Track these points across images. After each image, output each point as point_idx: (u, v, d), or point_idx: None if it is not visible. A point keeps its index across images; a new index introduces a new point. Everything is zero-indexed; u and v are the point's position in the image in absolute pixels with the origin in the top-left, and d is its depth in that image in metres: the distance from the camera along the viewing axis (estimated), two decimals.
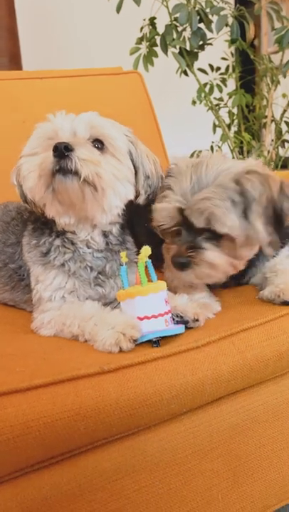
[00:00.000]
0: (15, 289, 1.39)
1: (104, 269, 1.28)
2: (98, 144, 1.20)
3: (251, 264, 1.35)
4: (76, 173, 1.13)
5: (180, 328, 1.12)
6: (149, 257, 1.14)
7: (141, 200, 1.29)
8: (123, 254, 1.17)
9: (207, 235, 1.19)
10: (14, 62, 3.92)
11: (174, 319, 1.15)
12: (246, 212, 1.18)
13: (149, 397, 1.00)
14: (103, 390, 0.97)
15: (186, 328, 1.15)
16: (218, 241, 1.19)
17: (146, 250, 1.14)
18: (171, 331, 1.11)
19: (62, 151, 1.12)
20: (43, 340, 1.19)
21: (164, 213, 1.24)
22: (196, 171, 1.21)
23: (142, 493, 1.05)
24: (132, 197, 1.27)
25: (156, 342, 1.09)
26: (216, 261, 1.20)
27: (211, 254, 1.19)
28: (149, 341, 1.08)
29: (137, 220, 1.75)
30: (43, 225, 1.28)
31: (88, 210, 1.20)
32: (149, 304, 1.10)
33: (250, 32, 2.64)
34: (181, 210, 1.20)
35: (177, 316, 1.15)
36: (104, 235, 1.28)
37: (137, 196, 1.28)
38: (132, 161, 1.26)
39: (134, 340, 1.06)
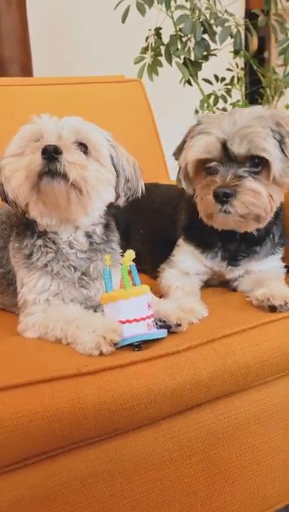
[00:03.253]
0: (4, 293, 1.40)
1: (88, 269, 1.28)
2: (82, 147, 1.21)
3: (266, 234, 1.42)
4: (64, 176, 1.14)
5: (162, 333, 1.12)
6: (134, 260, 1.15)
7: (120, 202, 1.30)
8: (107, 257, 1.17)
9: (247, 167, 1.27)
10: (25, 70, 3.97)
11: (156, 323, 1.15)
12: (281, 145, 1.28)
13: (127, 401, 1.00)
14: (80, 392, 0.97)
15: (169, 332, 1.14)
16: (256, 174, 1.27)
17: (130, 254, 1.14)
18: (152, 335, 1.11)
19: (51, 154, 1.13)
20: (27, 342, 1.19)
21: (205, 146, 1.30)
22: (231, 114, 1.30)
23: (118, 497, 1.04)
24: (112, 199, 1.28)
25: (137, 346, 1.09)
26: (259, 189, 1.26)
27: (254, 182, 1.26)
28: (131, 345, 1.09)
29: (132, 227, 1.77)
30: (25, 227, 1.29)
31: (72, 212, 1.20)
32: (131, 308, 1.10)
33: (254, 43, 2.65)
34: (222, 142, 1.26)
35: (160, 321, 1.15)
36: (88, 235, 1.29)
37: (116, 198, 1.30)
38: (113, 164, 1.27)
39: (115, 344, 1.06)
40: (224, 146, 1.27)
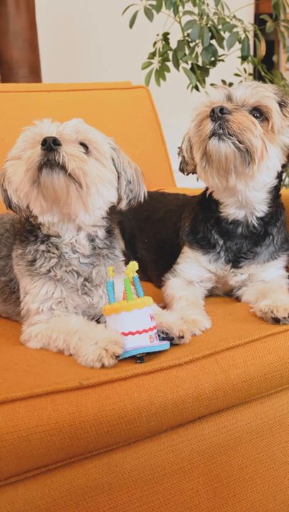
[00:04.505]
0: (7, 301, 1.40)
1: (90, 275, 1.28)
2: (83, 147, 1.22)
3: (265, 233, 1.42)
4: (63, 168, 1.16)
5: (165, 345, 1.12)
6: (138, 269, 1.15)
7: (123, 205, 1.32)
8: (110, 268, 1.17)
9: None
10: (34, 72, 3.98)
11: (159, 335, 1.14)
12: (281, 107, 1.33)
13: (128, 414, 1.00)
14: (81, 405, 0.97)
15: (172, 344, 1.14)
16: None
17: (134, 265, 1.14)
18: (155, 348, 1.10)
19: (50, 144, 1.14)
20: (29, 352, 1.19)
21: (211, 99, 1.35)
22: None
23: (118, 511, 1.04)
24: (114, 200, 1.30)
25: (140, 358, 1.09)
26: (255, 122, 1.27)
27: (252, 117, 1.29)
28: (134, 357, 1.08)
29: (137, 235, 1.77)
30: (28, 233, 1.30)
31: (72, 206, 1.21)
32: (133, 320, 1.10)
33: (262, 49, 2.64)
34: (228, 95, 1.33)
35: (163, 333, 1.15)
36: (91, 239, 1.29)
37: (119, 201, 1.31)
38: (115, 166, 1.29)
39: (117, 357, 1.06)
40: (229, 97, 1.32)
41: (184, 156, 1.45)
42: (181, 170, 1.49)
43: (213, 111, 1.26)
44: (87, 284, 1.29)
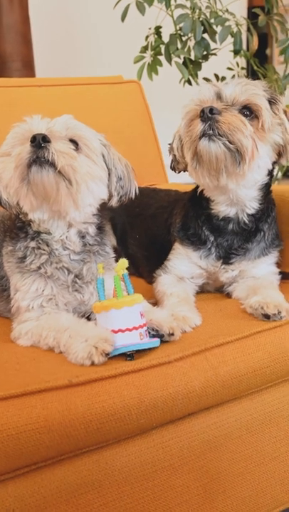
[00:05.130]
0: None
1: (81, 271, 1.28)
2: (73, 144, 1.22)
3: (256, 230, 1.42)
4: (52, 165, 1.16)
5: (155, 342, 1.12)
6: (129, 265, 1.15)
7: (114, 201, 1.32)
8: (100, 265, 1.17)
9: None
10: (27, 66, 3.96)
11: (149, 333, 1.15)
12: (271, 104, 1.34)
13: (118, 412, 1.00)
14: (70, 403, 0.97)
15: (162, 341, 1.15)
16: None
17: (123, 263, 1.14)
18: (145, 345, 1.11)
19: (39, 142, 1.14)
20: (19, 350, 1.19)
21: (199, 96, 1.33)
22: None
23: (109, 507, 1.04)
24: (104, 197, 1.29)
25: (130, 355, 1.09)
26: (245, 121, 1.27)
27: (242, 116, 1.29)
28: (124, 354, 1.09)
29: (129, 231, 1.77)
30: (18, 230, 1.29)
31: (62, 203, 1.20)
32: (123, 317, 1.10)
33: (254, 44, 2.63)
34: (217, 92, 1.32)
35: (153, 330, 1.15)
36: (81, 235, 1.29)
37: (109, 198, 1.31)
38: (105, 163, 1.29)
39: (107, 354, 1.06)
40: (218, 95, 1.31)
41: (174, 155, 1.45)
42: (172, 168, 1.49)
43: (203, 111, 1.25)
44: (78, 281, 1.29)
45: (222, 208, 1.40)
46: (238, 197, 1.37)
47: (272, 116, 1.32)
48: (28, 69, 3.89)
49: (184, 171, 1.45)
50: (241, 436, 1.19)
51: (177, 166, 1.46)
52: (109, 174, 1.29)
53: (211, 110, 1.25)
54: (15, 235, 1.30)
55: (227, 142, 1.26)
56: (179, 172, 1.48)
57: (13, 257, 1.28)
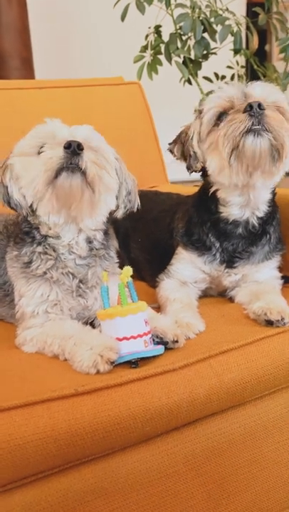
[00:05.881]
0: (0, 303, 1.40)
1: (86, 276, 1.29)
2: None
3: (263, 232, 1.43)
4: (83, 173, 1.18)
5: (159, 349, 1.13)
6: (132, 276, 1.16)
7: (119, 213, 1.33)
8: (105, 274, 1.17)
9: None
10: (26, 64, 3.95)
11: (154, 340, 1.15)
12: None
13: (123, 420, 1.01)
14: (77, 412, 0.98)
15: (166, 348, 1.15)
16: None
17: (128, 271, 1.15)
18: (149, 353, 1.11)
19: (75, 149, 1.16)
20: (24, 357, 1.20)
21: (227, 95, 1.33)
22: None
23: None
24: (114, 208, 1.31)
25: (134, 363, 1.10)
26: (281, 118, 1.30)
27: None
28: (129, 362, 1.09)
29: (131, 235, 1.78)
30: (24, 234, 1.30)
31: (82, 210, 1.23)
32: (128, 325, 1.11)
33: (254, 43, 2.63)
34: (243, 91, 1.32)
35: (157, 337, 1.16)
36: (89, 241, 1.30)
37: (115, 210, 1.32)
38: (117, 175, 1.30)
39: (112, 363, 1.07)
40: (245, 95, 1.32)
41: (195, 152, 1.41)
42: (189, 167, 1.44)
43: (251, 106, 1.25)
44: (82, 286, 1.29)
45: (234, 210, 1.40)
46: (255, 198, 1.38)
47: None
48: (26, 67, 3.88)
49: (199, 171, 1.44)
50: (245, 442, 1.20)
51: (196, 164, 1.42)
52: (119, 187, 1.31)
53: (260, 105, 1.25)
54: (20, 239, 1.30)
55: (272, 138, 1.26)
56: (195, 172, 1.46)
57: (17, 262, 1.29)
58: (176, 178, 2.12)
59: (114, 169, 1.29)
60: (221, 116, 1.33)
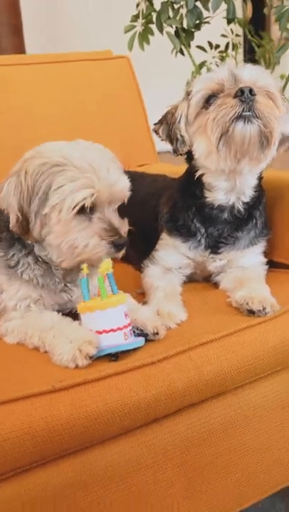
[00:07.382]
0: None
1: (73, 278, 1.28)
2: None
3: (249, 217, 1.42)
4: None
5: (139, 342, 1.13)
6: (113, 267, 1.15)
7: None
8: (84, 266, 1.16)
9: None
10: (16, 32, 3.92)
11: (134, 332, 1.15)
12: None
13: (101, 415, 1.02)
14: (54, 409, 0.99)
15: (146, 340, 1.15)
16: None
17: (107, 264, 1.14)
18: (130, 345, 1.12)
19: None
20: (5, 348, 1.20)
21: (216, 77, 1.31)
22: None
23: (96, 505, 1.07)
24: None
25: (114, 355, 1.10)
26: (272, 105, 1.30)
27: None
28: (108, 355, 1.10)
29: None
30: (13, 239, 1.26)
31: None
32: (107, 318, 1.11)
33: (248, 12, 2.56)
34: (232, 73, 1.30)
35: (137, 329, 1.16)
36: None
37: None
38: None
39: (91, 357, 1.07)
40: (234, 77, 1.29)
41: (182, 136, 1.38)
42: (176, 150, 1.41)
43: (242, 91, 1.23)
44: (68, 285, 1.29)
45: (220, 195, 1.39)
46: (241, 184, 1.37)
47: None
48: (16, 34, 3.84)
49: (185, 154, 1.43)
50: (225, 431, 1.21)
51: (182, 148, 1.40)
52: None
53: (251, 91, 1.23)
54: (7, 240, 1.27)
55: (262, 125, 1.25)
56: (180, 155, 1.44)
57: (1, 262, 1.27)
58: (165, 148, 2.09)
59: None
60: (209, 99, 1.31)
